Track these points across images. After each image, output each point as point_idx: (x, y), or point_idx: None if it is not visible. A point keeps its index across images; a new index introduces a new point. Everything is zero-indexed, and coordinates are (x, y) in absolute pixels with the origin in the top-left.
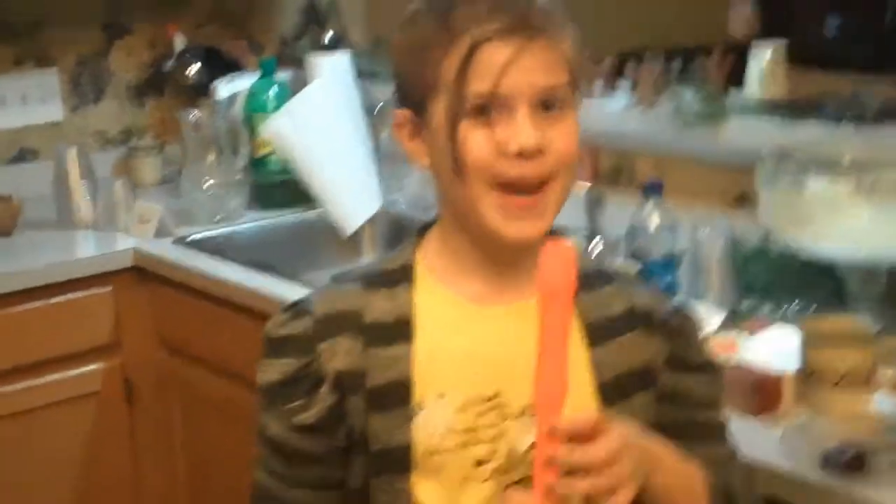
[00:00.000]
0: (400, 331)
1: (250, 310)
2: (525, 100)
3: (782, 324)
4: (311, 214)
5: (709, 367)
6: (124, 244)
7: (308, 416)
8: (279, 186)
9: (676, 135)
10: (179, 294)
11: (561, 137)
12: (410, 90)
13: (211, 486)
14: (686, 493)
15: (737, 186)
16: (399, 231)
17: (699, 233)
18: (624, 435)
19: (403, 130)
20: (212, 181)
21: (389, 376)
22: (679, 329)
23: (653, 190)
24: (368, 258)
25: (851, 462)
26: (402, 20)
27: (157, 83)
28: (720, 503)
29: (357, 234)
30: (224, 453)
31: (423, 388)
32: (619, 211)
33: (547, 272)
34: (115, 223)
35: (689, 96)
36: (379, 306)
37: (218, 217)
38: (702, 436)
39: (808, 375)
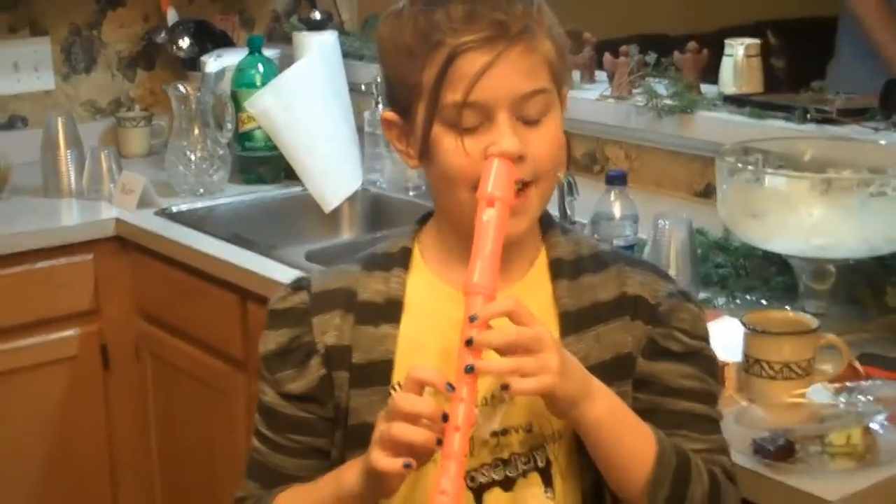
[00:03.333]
0: (389, 312)
1: (226, 282)
2: (505, 106)
3: (733, 315)
4: (292, 190)
5: (691, 357)
6: (107, 214)
7: (298, 386)
8: (262, 162)
9: (649, 126)
10: (159, 264)
11: (541, 143)
12: (397, 93)
13: (181, 449)
14: (619, 439)
15: (704, 178)
16: (378, 210)
17: (661, 222)
18: (557, 342)
19: (392, 132)
20: (196, 154)
21: (374, 355)
22: (666, 316)
23: (616, 179)
24: (347, 235)
25: (780, 450)
26: (386, 15)
27: (148, 55)
28: (668, 472)
29: (337, 212)
30: (195, 419)
31: (403, 369)
32: (592, 198)
33: (487, 182)
34: (100, 193)
35: (662, 88)
36: (373, 287)
37: (201, 190)
38: (673, 425)
39: (751, 366)
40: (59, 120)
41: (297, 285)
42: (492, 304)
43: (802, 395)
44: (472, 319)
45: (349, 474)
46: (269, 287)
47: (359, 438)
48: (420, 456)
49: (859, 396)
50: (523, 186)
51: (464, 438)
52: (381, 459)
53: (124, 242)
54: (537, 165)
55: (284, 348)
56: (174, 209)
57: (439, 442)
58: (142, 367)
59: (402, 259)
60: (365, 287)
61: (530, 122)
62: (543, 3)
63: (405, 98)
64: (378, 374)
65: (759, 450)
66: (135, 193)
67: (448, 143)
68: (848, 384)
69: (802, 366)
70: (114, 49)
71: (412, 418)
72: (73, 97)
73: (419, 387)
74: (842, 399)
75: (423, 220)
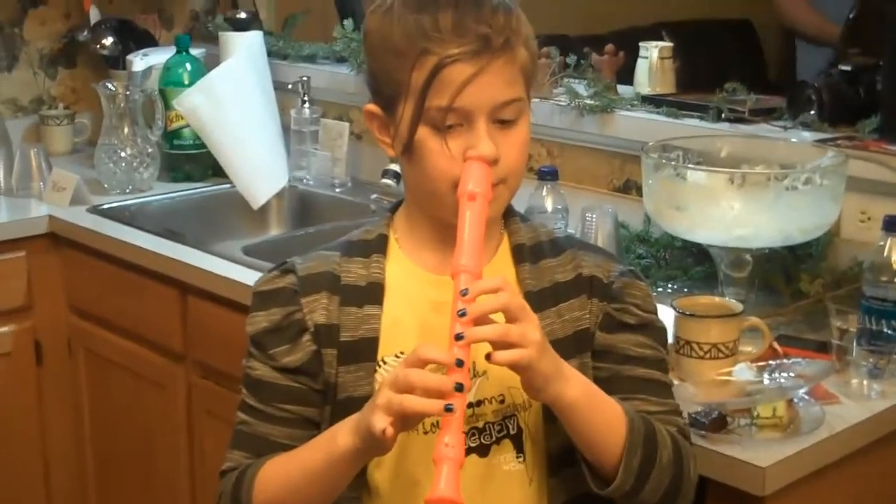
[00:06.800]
0: (371, 294)
1: (165, 277)
2: (484, 113)
3: (659, 302)
4: (220, 187)
5: (645, 328)
6: (38, 211)
7: (294, 360)
8: (190, 159)
9: (571, 125)
10: (93, 261)
11: (513, 147)
12: (381, 86)
13: (115, 443)
14: (594, 418)
15: (623, 174)
16: (305, 206)
17: (588, 215)
18: (536, 319)
19: (374, 123)
20: (127, 152)
21: (360, 333)
22: (619, 292)
23: (548, 175)
24: (275, 231)
25: (714, 422)
26: (374, 9)
27: (69, 53)
28: (639, 441)
29: (265, 208)
30: (128, 412)
31: (386, 346)
32: (518, 193)
33: (468, 181)
34: (30, 190)
35: (582, 89)
36: (354, 272)
37: (130, 187)
38: (631, 390)
39: (681, 347)
40: None
41: (284, 269)
42: (481, 280)
43: (729, 374)
44: (463, 293)
45: (343, 435)
46: (210, 281)
47: (346, 412)
48: (415, 422)
49: (781, 373)
50: (497, 183)
51: (462, 399)
52: (381, 422)
53: (57, 239)
54: (508, 166)
55: (277, 325)
56: (106, 206)
57: (448, 409)
58: (75, 363)
59: (379, 246)
60: (347, 272)
61: (504, 126)
62: (521, 13)
63: (389, 92)
64: (365, 350)
65: (695, 423)
66: (67, 191)
67: (433, 145)
68: (770, 362)
69: (729, 346)
70: (35, 47)
71: (423, 391)
72: None
73: (424, 364)
74: (765, 376)
75: (393, 209)
